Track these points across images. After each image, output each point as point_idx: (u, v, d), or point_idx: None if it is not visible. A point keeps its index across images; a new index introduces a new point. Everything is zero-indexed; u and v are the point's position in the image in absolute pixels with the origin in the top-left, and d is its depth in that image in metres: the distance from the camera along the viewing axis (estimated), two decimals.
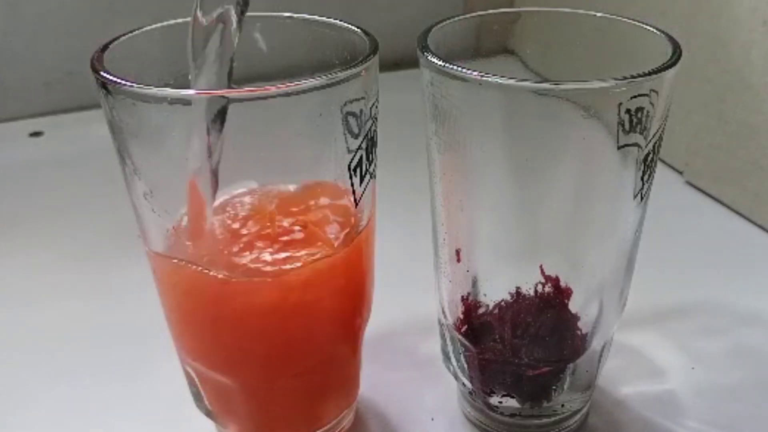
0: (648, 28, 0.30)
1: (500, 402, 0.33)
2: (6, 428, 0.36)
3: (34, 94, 0.69)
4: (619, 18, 0.31)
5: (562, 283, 0.31)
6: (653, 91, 0.26)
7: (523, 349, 0.32)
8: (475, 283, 0.32)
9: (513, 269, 0.32)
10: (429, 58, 0.28)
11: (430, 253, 0.34)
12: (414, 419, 0.36)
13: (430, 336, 0.36)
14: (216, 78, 0.26)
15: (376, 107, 0.29)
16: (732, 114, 0.50)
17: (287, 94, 0.25)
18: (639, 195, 0.29)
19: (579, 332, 0.32)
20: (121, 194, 0.29)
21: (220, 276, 0.27)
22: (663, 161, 0.57)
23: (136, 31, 0.29)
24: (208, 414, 0.33)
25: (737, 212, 0.52)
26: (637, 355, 0.40)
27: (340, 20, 0.30)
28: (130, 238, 0.38)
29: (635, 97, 0.26)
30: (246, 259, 0.27)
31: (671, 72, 0.27)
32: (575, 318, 0.32)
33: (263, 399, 0.32)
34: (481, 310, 0.33)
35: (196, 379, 0.32)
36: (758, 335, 0.41)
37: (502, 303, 0.32)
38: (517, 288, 0.32)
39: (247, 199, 0.30)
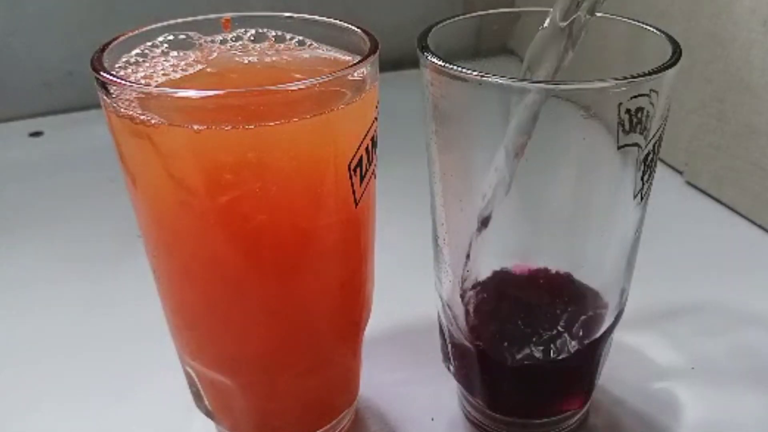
0: (648, 28, 0.30)
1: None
2: (5, 427, 0.36)
3: (34, 94, 0.69)
4: (619, 18, 0.30)
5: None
6: (653, 91, 0.26)
7: (523, 348, 0.32)
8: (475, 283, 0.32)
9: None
10: (429, 58, 0.28)
11: (430, 253, 0.34)
12: (414, 419, 0.36)
13: (430, 336, 0.36)
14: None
15: (376, 107, 0.29)
16: (732, 114, 0.50)
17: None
18: (639, 195, 0.29)
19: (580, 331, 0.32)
20: (121, 194, 0.29)
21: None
22: (663, 161, 0.57)
23: (136, 31, 0.29)
24: (208, 414, 0.33)
25: (737, 212, 0.52)
26: (637, 355, 0.40)
27: (340, 20, 0.30)
28: (130, 238, 0.38)
29: (635, 97, 0.26)
30: None
31: (671, 72, 0.27)
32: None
33: (263, 399, 0.32)
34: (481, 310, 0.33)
35: (196, 379, 0.32)
36: (758, 335, 0.41)
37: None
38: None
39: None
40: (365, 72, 0.27)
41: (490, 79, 0.26)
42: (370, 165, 0.29)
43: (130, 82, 0.26)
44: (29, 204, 0.56)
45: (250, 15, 0.31)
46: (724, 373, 0.38)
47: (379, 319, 0.34)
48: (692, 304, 0.44)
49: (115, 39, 0.28)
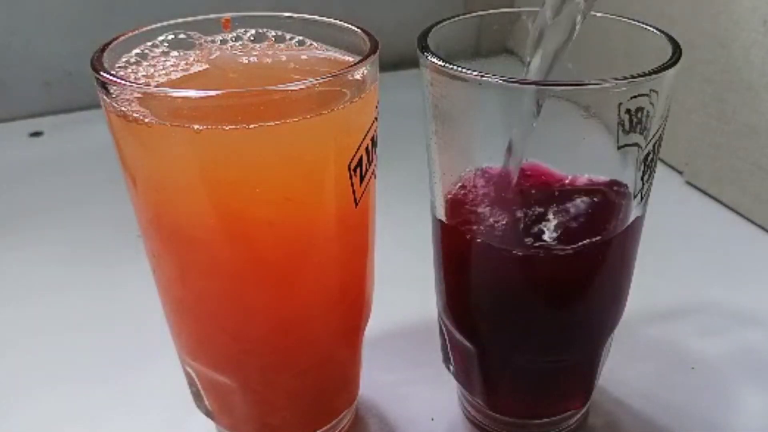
0: (648, 28, 0.30)
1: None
2: (4, 427, 0.36)
3: (34, 94, 0.69)
4: (619, 18, 0.31)
5: None
6: (653, 91, 0.26)
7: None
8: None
9: None
10: (429, 58, 0.28)
11: (430, 253, 0.34)
12: (414, 419, 0.36)
13: (430, 336, 0.36)
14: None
15: (376, 107, 0.29)
16: (732, 114, 0.50)
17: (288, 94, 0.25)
18: (639, 195, 0.29)
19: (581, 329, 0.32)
20: (121, 194, 0.29)
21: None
22: (663, 161, 0.57)
23: (136, 31, 0.29)
24: (208, 414, 0.33)
25: (737, 212, 0.52)
26: (637, 355, 0.40)
27: (340, 20, 0.30)
28: (130, 237, 0.38)
29: (635, 97, 0.26)
30: None
31: (671, 72, 0.27)
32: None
33: (263, 399, 0.32)
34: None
35: (196, 379, 0.32)
36: (758, 335, 0.41)
37: None
38: None
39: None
40: (365, 72, 0.27)
41: (490, 79, 0.26)
42: (370, 165, 0.29)
43: (130, 82, 0.26)
44: (29, 204, 0.56)
45: (250, 15, 0.31)
46: (724, 373, 0.38)
47: (379, 319, 0.34)
48: (692, 304, 0.44)
49: (115, 39, 0.28)
